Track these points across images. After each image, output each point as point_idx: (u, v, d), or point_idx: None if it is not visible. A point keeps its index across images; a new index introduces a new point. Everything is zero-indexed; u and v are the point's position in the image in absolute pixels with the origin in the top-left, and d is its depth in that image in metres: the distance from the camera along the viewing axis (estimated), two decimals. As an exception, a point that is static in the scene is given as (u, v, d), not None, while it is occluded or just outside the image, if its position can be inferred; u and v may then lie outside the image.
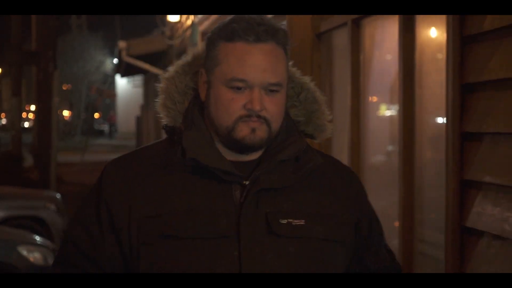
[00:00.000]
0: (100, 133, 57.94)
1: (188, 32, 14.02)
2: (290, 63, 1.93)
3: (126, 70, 22.68)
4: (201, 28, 12.42)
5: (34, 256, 7.81)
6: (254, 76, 1.81)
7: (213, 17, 11.35)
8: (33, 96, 17.67)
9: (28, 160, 16.60)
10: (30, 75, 22.69)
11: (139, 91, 38.20)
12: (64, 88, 48.43)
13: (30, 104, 40.05)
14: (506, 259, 2.87)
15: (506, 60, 2.88)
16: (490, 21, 2.97)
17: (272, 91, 1.83)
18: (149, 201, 1.86)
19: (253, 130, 1.83)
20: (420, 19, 4.02)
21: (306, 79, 2.00)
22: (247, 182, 1.86)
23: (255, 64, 1.81)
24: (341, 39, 5.20)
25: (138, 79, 36.46)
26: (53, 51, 16.03)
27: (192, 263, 1.82)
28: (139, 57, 18.70)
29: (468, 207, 3.15)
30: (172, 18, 15.05)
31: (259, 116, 1.82)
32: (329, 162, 1.99)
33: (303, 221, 1.85)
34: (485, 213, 3.02)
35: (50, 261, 7.85)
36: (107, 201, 1.90)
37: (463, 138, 3.21)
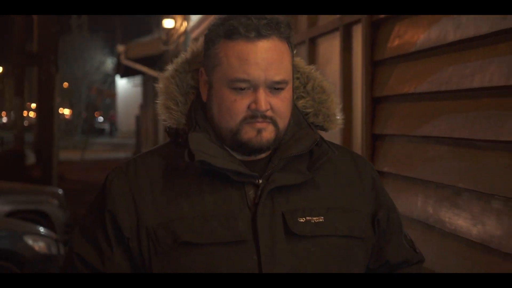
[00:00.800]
0: (101, 132, 58.30)
1: (182, 39, 14.80)
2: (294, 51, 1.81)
3: (125, 71, 22.99)
4: (193, 35, 13.22)
5: (39, 245, 8.12)
6: (258, 75, 1.69)
7: (204, 25, 12.19)
8: (35, 95, 17.78)
9: (30, 158, 16.44)
10: (31, 74, 22.86)
11: (139, 90, 38.32)
12: (64, 86, 48.54)
13: (31, 102, 40.11)
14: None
15: (397, 81, 3.83)
16: (389, 51, 3.93)
17: (277, 89, 1.72)
18: (158, 208, 1.73)
19: (259, 132, 1.72)
20: (356, 41, 4.94)
21: (311, 68, 1.89)
22: (260, 182, 1.74)
23: (258, 63, 1.69)
24: (300, 55, 6.12)
25: (138, 78, 36.74)
26: (55, 54, 16.19)
27: (209, 271, 1.69)
28: (137, 60, 19.24)
29: (376, 192, 4.10)
30: (167, 24, 15.83)
31: (264, 117, 1.71)
32: (342, 153, 1.86)
33: (321, 218, 1.75)
34: (386, 196, 3.97)
35: (54, 250, 8.19)
36: (112, 211, 1.76)
37: (373, 139, 4.17)
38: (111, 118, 59.66)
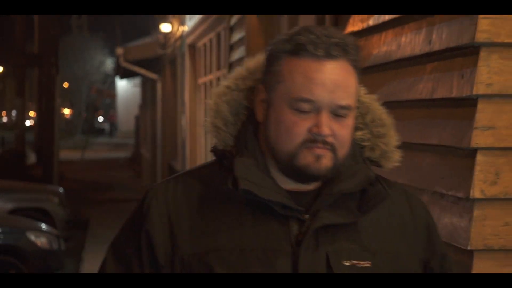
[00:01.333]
0: (101, 131, 58.69)
1: (178, 43, 15.30)
2: None
3: (124, 72, 23.26)
4: (188, 41, 13.69)
5: (41, 241, 8.55)
6: (323, 96, 1.58)
7: (198, 32, 12.65)
8: (36, 96, 18.01)
9: (31, 158, 16.74)
10: (32, 74, 23.01)
11: (139, 90, 38.76)
12: (65, 86, 48.85)
13: (32, 103, 40.39)
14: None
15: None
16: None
17: (340, 115, 1.60)
18: (195, 236, 1.64)
19: (318, 158, 1.60)
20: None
21: (372, 98, 1.77)
22: (306, 217, 1.63)
23: (324, 84, 1.58)
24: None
25: (138, 79, 37.03)
26: (55, 56, 16.42)
27: None
28: (136, 62, 19.60)
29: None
30: (165, 28, 16.35)
31: (325, 142, 1.59)
32: (396, 192, 1.73)
33: (368, 262, 1.63)
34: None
35: (55, 245, 8.64)
36: (150, 232, 1.67)
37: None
38: (111, 118, 60.00)
